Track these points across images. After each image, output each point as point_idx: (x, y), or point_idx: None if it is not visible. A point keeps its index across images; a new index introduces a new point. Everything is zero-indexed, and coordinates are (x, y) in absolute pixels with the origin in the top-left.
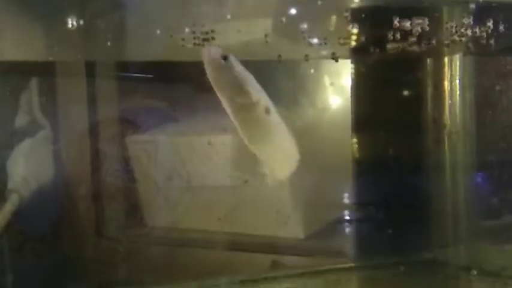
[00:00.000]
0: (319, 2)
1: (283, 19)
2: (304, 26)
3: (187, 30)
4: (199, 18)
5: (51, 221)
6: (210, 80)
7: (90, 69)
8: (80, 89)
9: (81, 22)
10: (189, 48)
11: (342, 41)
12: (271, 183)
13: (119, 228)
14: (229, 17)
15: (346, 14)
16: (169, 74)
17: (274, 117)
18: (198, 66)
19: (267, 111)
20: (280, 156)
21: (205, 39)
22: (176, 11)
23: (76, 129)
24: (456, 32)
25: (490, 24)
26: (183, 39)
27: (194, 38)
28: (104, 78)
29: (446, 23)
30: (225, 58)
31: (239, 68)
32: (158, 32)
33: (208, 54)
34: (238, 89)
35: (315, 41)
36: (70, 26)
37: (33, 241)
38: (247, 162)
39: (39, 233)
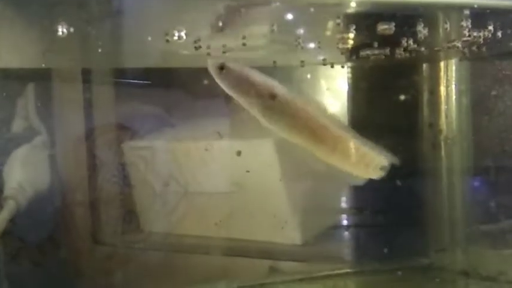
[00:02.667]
0: (312, 9)
1: (278, 26)
2: (299, 32)
3: (182, 37)
4: (194, 26)
5: (47, 227)
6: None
7: (87, 75)
8: (76, 95)
9: (77, 29)
10: (185, 54)
11: (338, 46)
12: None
13: (115, 234)
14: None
15: (339, 21)
16: (166, 80)
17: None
18: (195, 72)
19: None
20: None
21: (200, 47)
22: (172, 18)
23: (73, 135)
24: (452, 37)
25: (486, 29)
26: (179, 46)
27: (190, 45)
28: (100, 84)
29: (444, 28)
30: (221, 68)
31: (239, 69)
32: (154, 38)
33: (210, 68)
34: (247, 84)
35: (310, 47)
36: (66, 33)
37: (30, 247)
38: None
39: (36, 239)
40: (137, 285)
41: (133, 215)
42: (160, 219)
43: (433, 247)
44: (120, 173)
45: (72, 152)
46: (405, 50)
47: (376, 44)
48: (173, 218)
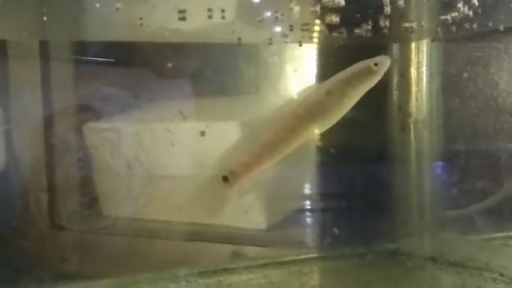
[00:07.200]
0: None
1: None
2: (265, 9)
3: (148, 9)
4: None
5: (3, 212)
6: None
7: (45, 50)
8: (34, 71)
9: None
10: (149, 29)
11: (304, 25)
12: None
13: (75, 219)
14: None
15: None
16: (130, 59)
17: None
18: (159, 49)
19: None
20: None
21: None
22: None
23: (30, 116)
24: (423, 16)
25: (459, 8)
26: (141, 19)
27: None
28: (60, 61)
29: (416, 6)
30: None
31: None
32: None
33: None
34: None
35: (276, 24)
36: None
37: None
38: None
39: None
40: (98, 270)
41: (95, 199)
42: (121, 204)
43: (401, 232)
44: (81, 156)
45: (29, 133)
46: (374, 28)
47: (344, 22)
48: (135, 202)
